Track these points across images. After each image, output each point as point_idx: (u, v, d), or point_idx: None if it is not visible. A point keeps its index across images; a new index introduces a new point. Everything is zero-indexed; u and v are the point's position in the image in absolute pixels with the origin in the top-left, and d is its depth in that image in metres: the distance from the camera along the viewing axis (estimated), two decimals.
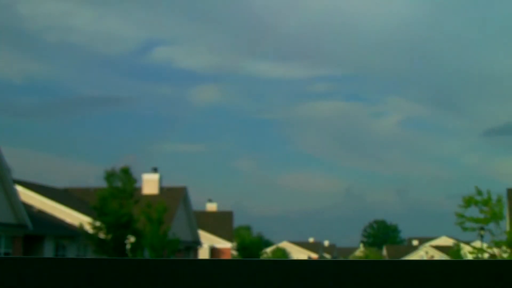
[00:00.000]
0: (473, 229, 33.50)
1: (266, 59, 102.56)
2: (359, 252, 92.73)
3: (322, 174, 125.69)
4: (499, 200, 32.42)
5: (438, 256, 68.55)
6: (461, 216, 33.09)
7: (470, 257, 36.84)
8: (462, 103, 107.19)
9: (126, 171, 30.15)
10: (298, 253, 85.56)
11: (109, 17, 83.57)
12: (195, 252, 47.76)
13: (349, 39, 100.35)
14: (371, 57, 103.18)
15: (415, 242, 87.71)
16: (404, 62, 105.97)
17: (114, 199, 29.53)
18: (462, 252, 42.21)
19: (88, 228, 29.93)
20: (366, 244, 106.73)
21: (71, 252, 32.20)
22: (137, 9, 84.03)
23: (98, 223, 29.50)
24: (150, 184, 43.10)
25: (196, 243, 46.99)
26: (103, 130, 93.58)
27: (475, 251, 34.90)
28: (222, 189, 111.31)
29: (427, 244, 77.31)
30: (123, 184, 30.02)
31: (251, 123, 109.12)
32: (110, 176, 30.01)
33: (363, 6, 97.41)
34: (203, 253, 50.32)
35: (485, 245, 34.73)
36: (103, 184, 30.79)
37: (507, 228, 33.96)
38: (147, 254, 31.64)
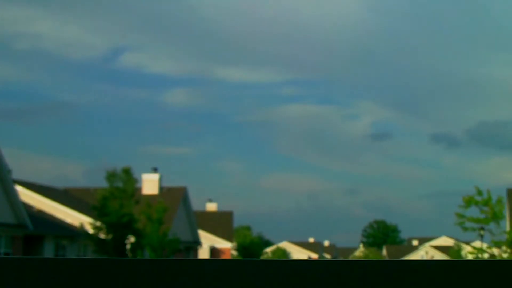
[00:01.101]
0: (474, 229, 33.49)
1: (234, 65, 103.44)
2: (359, 252, 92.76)
3: (306, 175, 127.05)
4: (499, 200, 32.43)
5: (438, 256, 68.56)
6: (461, 216, 33.09)
7: (470, 257, 36.82)
8: (427, 107, 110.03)
9: (127, 172, 30.17)
10: (298, 253, 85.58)
11: (72, 24, 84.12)
12: (195, 252, 47.77)
13: (313, 45, 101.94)
14: (336, 62, 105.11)
15: (415, 242, 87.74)
16: (369, 68, 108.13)
17: (115, 199, 29.54)
18: (462, 252, 42.23)
19: (88, 228, 29.94)
20: (366, 244, 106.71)
21: (71, 252, 32.20)
22: (100, 16, 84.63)
23: (98, 223, 29.51)
24: (150, 184, 43.12)
25: (196, 243, 47.00)
26: (81, 133, 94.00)
27: (475, 251, 34.89)
28: (216, 190, 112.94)
29: (427, 244, 77.34)
30: (124, 184, 30.04)
31: (231, 126, 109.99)
32: (111, 176, 30.02)
33: (327, 14, 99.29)
34: (203, 253, 50.33)
35: (485, 245, 34.74)
36: (97, 184, 30.90)
37: (507, 228, 33.98)
38: (147, 254, 31.64)
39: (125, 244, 30.17)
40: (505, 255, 32.04)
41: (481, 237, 34.23)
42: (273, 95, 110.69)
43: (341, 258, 78.77)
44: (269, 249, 75.25)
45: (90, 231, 29.76)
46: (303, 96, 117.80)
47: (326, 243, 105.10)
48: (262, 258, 39.91)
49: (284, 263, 1.67)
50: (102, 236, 29.57)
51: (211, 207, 58.99)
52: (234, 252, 56.54)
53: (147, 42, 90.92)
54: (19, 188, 30.72)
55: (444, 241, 74.68)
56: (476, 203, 32.60)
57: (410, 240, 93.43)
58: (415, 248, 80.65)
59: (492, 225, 32.73)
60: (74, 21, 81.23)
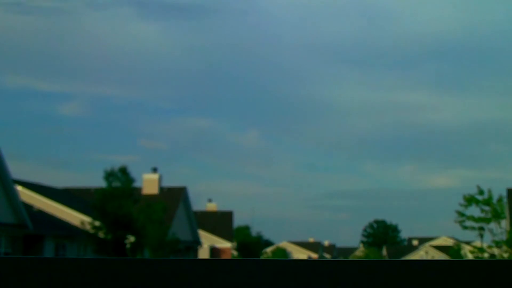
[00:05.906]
0: (473, 228, 33.54)
1: (101, 84, 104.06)
2: (359, 252, 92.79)
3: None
4: (500, 200, 32.48)
5: (438, 256, 68.58)
6: (461, 214, 33.14)
7: (470, 256, 36.83)
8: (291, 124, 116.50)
9: (124, 171, 30.14)
10: (298, 253, 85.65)
11: None
12: (195, 252, 47.78)
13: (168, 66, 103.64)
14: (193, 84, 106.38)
15: (415, 242, 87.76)
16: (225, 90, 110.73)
17: (114, 199, 29.53)
18: (462, 252, 42.22)
19: (88, 228, 29.94)
20: (366, 244, 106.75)
21: (71, 252, 32.20)
22: None
23: (98, 223, 29.51)
24: (150, 184, 43.13)
25: (196, 243, 47.01)
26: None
27: (475, 250, 34.94)
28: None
29: (427, 244, 77.36)
30: (121, 184, 30.02)
31: (147, 136, 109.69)
32: (109, 175, 30.01)
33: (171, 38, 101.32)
34: (203, 253, 50.34)
35: (485, 245, 34.77)
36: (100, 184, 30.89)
37: (507, 228, 33.99)
38: (147, 254, 31.64)
39: (125, 244, 30.17)
40: (505, 255, 32.07)
41: (481, 237, 34.26)
42: (156, 109, 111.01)
43: (341, 258, 78.75)
44: (269, 249, 75.28)
45: (90, 231, 29.76)
46: (183, 110, 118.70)
47: (326, 243, 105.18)
48: (262, 258, 39.91)
49: (284, 263, 1.67)
50: (102, 236, 29.56)
51: (211, 207, 59.02)
52: (234, 252, 56.56)
53: (27, 65, 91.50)
54: (19, 188, 30.73)
55: (444, 241, 74.65)
56: (477, 202, 32.67)
57: (410, 240, 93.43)
58: (415, 248, 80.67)
59: (492, 225, 32.80)
60: None
